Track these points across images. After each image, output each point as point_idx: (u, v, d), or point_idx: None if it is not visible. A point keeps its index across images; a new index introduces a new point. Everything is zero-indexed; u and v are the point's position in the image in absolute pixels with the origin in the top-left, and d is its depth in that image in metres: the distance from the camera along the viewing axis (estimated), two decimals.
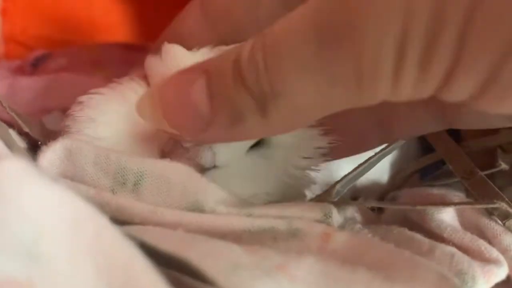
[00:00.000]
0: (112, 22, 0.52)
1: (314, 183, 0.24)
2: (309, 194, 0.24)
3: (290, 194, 0.23)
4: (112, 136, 0.21)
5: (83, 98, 0.22)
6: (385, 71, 0.15)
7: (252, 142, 0.21)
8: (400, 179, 0.29)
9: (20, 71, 0.45)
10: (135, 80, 0.23)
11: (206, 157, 0.20)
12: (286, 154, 0.22)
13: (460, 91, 0.16)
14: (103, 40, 0.50)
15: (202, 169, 0.21)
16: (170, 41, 0.23)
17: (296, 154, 0.22)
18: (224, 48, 0.21)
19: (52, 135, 0.23)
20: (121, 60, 0.45)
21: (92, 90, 0.23)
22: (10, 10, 0.51)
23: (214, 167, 0.21)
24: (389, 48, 0.15)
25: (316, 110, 0.17)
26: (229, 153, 0.21)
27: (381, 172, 0.28)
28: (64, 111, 0.36)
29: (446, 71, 0.15)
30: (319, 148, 0.23)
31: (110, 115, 0.22)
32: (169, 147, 0.21)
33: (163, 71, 0.21)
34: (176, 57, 0.22)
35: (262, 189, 0.22)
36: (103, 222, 0.14)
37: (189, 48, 0.22)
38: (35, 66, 0.46)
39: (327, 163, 0.24)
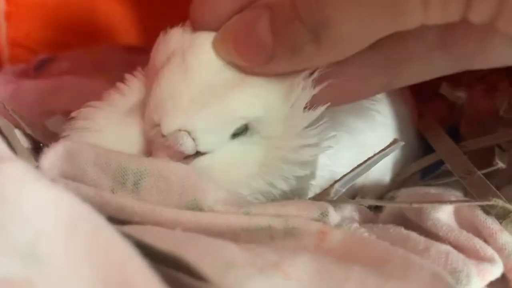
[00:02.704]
0: (115, 25, 0.52)
1: (313, 177, 0.23)
2: (309, 194, 0.24)
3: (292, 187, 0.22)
4: (104, 141, 0.22)
5: (76, 113, 0.24)
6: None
7: (235, 127, 0.21)
8: (401, 179, 0.29)
9: (24, 75, 0.46)
10: (117, 91, 0.24)
11: (185, 144, 0.20)
12: (274, 143, 0.22)
13: (480, 12, 0.18)
14: (106, 43, 0.51)
15: (184, 157, 0.21)
16: None
17: (284, 144, 0.22)
18: None
19: (54, 137, 0.23)
20: (124, 63, 0.46)
21: (86, 104, 0.24)
22: (14, 14, 0.51)
23: (197, 153, 0.21)
24: None
25: (361, 37, 0.20)
26: (211, 138, 0.21)
27: (382, 172, 0.28)
28: (67, 114, 0.37)
29: None
30: (307, 145, 0.22)
31: (99, 123, 0.23)
32: (151, 136, 0.21)
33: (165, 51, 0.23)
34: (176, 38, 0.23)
35: (251, 176, 0.21)
36: (100, 222, 0.14)
37: None
38: (38, 70, 0.47)
39: (327, 163, 0.24)
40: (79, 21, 0.52)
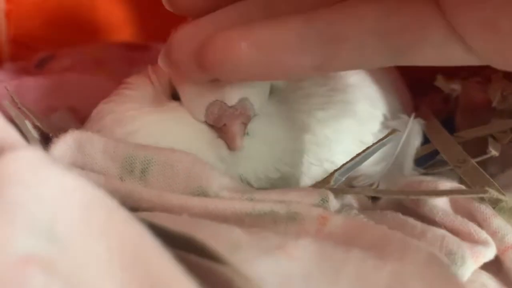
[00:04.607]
0: (114, 22, 0.53)
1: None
2: (309, 182, 0.25)
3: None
4: (148, 126, 0.23)
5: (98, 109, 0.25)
6: None
7: (268, 87, 0.25)
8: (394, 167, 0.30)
9: (25, 72, 0.46)
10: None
11: (251, 107, 0.23)
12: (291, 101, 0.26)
13: None
14: (106, 40, 0.51)
15: (250, 119, 0.23)
16: None
17: (298, 103, 0.26)
18: None
19: (60, 131, 0.24)
20: (123, 59, 0.47)
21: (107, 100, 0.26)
22: (14, 12, 0.52)
23: (255, 115, 0.24)
24: None
25: None
26: (261, 100, 0.24)
27: (379, 161, 0.29)
28: (70, 109, 0.38)
29: None
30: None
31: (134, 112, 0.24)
32: (216, 112, 0.23)
33: None
34: None
35: (287, 129, 0.25)
36: (114, 205, 0.15)
37: None
38: (39, 67, 0.47)
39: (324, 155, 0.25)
40: (79, 19, 0.52)
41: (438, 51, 0.20)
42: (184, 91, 0.23)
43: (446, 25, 0.19)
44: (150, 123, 0.23)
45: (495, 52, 0.19)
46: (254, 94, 0.23)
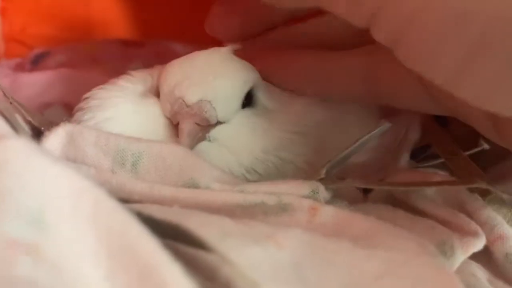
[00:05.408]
0: (109, 19, 0.53)
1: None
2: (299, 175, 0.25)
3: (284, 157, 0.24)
4: (121, 115, 0.24)
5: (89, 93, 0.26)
6: None
7: (244, 92, 0.24)
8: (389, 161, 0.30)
9: (20, 68, 0.47)
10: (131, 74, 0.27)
11: (210, 111, 0.22)
12: (273, 116, 0.25)
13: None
14: (101, 37, 0.51)
15: (209, 126, 0.23)
16: None
17: (280, 119, 0.25)
18: None
19: (53, 125, 0.24)
20: (119, 56, 0.47)
21: (100, 86, 0.26)
22: (9, 9, 0.52)
23: (218, 123, 0.23)
24: None
25: None
26: (227, 107, 0.23)
27: (370, 153, 0.29)
28: (65, 105, 0.38)
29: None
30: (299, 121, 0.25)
31: (116, 99, 0.25)
32: (175, 109, 0.23)
33: None
34: None
35: (260, 143, 0.24)
36: (102, 194, 0.15)
37: None
38: (35, 64, 0.47)
39: (317, 142, 0.25)
40: (74, 15, 0.52)
41: (413, 101, 0.24)
42: (162, 87, 0.24)
43: (422, 84, 0.23)
44: (122, 113, 0.24)
45: (458, 110, 0.23)
46: (220, 99, 0.23)
